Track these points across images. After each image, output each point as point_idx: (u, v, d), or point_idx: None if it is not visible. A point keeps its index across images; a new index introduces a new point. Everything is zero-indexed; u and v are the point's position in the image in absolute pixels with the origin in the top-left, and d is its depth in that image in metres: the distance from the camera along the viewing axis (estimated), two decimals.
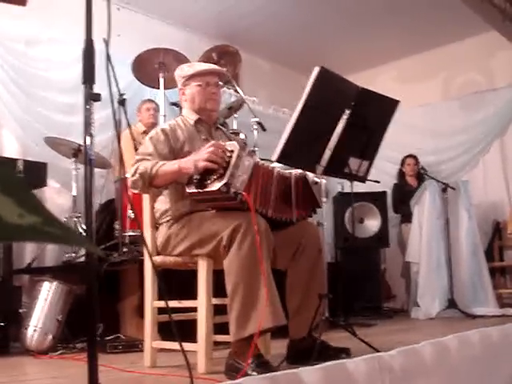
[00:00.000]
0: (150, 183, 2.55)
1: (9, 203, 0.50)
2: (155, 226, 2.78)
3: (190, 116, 2.87)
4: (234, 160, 2.34)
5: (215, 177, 2.33)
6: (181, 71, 2.92)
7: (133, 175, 2.57)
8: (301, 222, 2.68)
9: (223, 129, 3.05)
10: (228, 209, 2.43)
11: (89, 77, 1.57)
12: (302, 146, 2.50)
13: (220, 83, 2.95)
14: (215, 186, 2.31)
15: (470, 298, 5.44)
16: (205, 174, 2.36)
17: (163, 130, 2.74)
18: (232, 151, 2.37)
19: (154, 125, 5.13)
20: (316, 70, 2.35)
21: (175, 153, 2.69)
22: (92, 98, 1.56)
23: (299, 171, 2.67)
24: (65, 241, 0.55)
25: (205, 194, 2.37)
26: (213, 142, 2.46)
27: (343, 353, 2.54)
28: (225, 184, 2.29)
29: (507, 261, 6.59)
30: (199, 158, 2.38)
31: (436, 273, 5.49)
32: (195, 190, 2.37)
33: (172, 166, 2.51)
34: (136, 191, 2.68)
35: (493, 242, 6.63)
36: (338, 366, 1.76)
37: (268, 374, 1.59)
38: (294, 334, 2.67)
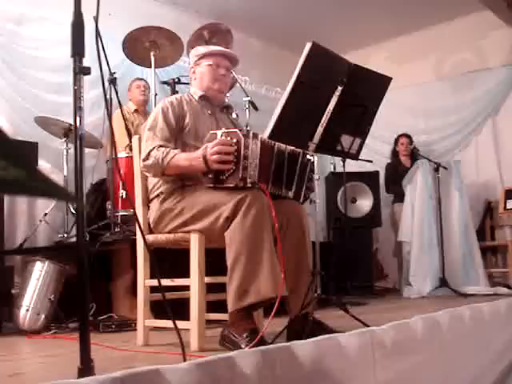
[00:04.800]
0: (162, 173, 2.61)
1: None
2: (147, 203, 2.78)
3: (196, 93, 2.92)
4: (242, 152, 2.39)
5: (229, 173, 2.41)
6: (195, 51, 2.98)
7: (145, 160, 2.61)
8: (284, 201, 2.64)
9: (230, 117, 3.05)
10: None
11: (78, 49, 1.55)
12: (294, 123, 2.49)
13: (231, 67, 2.97)
14: (232, 181, 2.40)
15: (462, 277, 5.48)
16: (218, 170, 2.43)
17: (171, 102, 2.79)
18: (238, 142, 2.40)
19: (145, 102, 5.13)
20: (308, 45, 2.34)
21: (179, 124, 2.73)
22: (81, 71, 1.54)
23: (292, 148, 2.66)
24: (50, 195, 0.54)
25: (223, 188, 2.45)
26: (217, 140, 2.45)
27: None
28: (240, 179, 2.37)
29: (498, 240, 6.62)
30: (208, 158, 2.42)
31: (428, 252, 5.52)
32: (212, 185, 2.46)
33: (183, 161, 2.54)
34: (147, 175, 2.75)
35: (484, 221, 6.67)
36: (330, 339, 1.77)
37: (261, 347, 1.59)
38: (291, 313, 2.67)
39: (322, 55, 2.46)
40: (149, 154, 2.60)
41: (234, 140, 2.41)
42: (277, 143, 2.55)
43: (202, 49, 2.97)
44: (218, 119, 2.89)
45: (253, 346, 2.12)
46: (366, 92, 2.67)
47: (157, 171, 2.60)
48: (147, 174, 2.71)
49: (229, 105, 3.11)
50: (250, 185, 2.38)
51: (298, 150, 2.64)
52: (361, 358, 1.82)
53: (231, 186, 2.39)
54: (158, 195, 2.70)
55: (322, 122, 2.55)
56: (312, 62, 2.38)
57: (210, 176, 2.45)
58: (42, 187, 0.50)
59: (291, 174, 2.63)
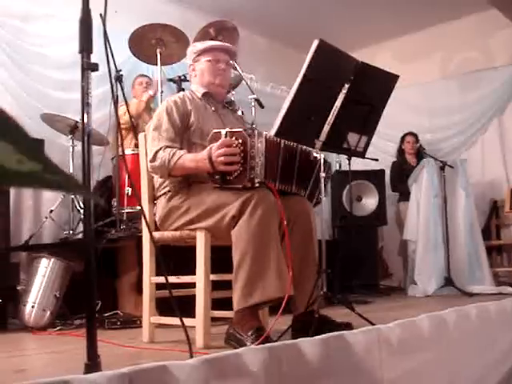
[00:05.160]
0: (169, 174, 2.59)
1: (8, 149, 0.50)
2: (153, 201, 2.78)
3: (198, 90, 2.89)
4: (249, 152, 2.36)
5: (236, 174, 2.38)
6: (193, 47, 2.96)
7: (152, 161, 2.60)
8: (293, 198, 2.65)
9: (230, 108, 3.04)
10: None
11: (86, 46, 1.55)
12: (300, 121, 2.49)
13: (231, 62, 2.96)
14: (239, 182, 2.38)
15: (467, 276, 5.45)
16: (225, 172, 2.41)
17: (174, 102, 2.76)
18: (243, 142, 2.38)
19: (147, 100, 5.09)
20: (315, 43, 2.33)
21: (184, 123, 2.71)
22: (89, 67, 1.54)
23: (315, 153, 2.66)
24: (64, 188, 0.54)
25: (230, 188, 2.43)
26: (222, 140, 2.42)
27: (346, 328, 2.50)
28: (248, 180, 2.35)
29: (504, 239, 6.61)
30: (214, 159, 2.39)
31: (433, 251, 5.50)
32: (219, 186, 2.45)
33: (189, 163, 2.52)
34: (156, 176, 2.74)
35: (490, 220, 6.64)
36: (337, 337, 1.77)
37: (267, 345, 1.59)
38: (295, 311, 2.67)
39: (329, 52, 2.46)
40: (155, 155, 2.58)
41: (240, 140, 2.38)
42: (284, 141, 2.54)
43: (199, 45, 2.94)
44: (221, 116, 2.87)
45: (257, 339, 2.13)
46: (372, 90, 2.66)
47: (164, 172, 2.59)
48: (154, 175, 2.71)
49: (231, 100, 3.11)
50: (257, 185, 2.37)
51: (312, 150, 2.64)
52: (367, 355, 1.82)
53: (239, 187, 2.38)
54: (164, 193, 2.70)
55: (328, 119, 2.55)
56: (319, 60, 2.38)
57: (217, 177, 2.43)
58: (57, 180, 0.50)
59: (305, 173, 2.63)
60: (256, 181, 2.36)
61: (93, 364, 1.52)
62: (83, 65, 1.53)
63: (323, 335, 1.75)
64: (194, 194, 2.58)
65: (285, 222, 2.36)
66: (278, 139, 2.53)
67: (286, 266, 2.34)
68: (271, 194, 2.39)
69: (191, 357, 1.83)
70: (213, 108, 2.85)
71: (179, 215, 2.60)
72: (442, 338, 2.26)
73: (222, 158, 2.37)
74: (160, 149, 2.58)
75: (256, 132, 2.41)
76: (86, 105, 1.51)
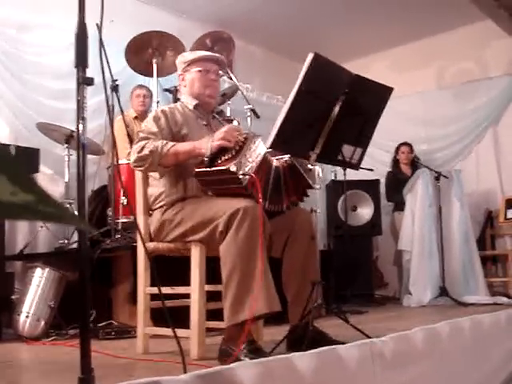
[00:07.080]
0: (159, 162, 2.55)
1: (1, 181, 0.50)
2: (148, 212, 2.78)
3: (189, 101, 2.88)
4: (246, 145, 2.41)
5: (226, 157, 2.39)
6: (182, 57, 2.95)
7: (139, 152, 2.55)
8: (293, 209, 2.68)
9: (219, 118, 3.04)
10: (227, 194, 2.45)
11: (81, 60, 1.56)
12: (295, 133, 2.49)
13: (220, 72, 2.97)
14: (225, 164, 2.36)
15: (462, 286, 5.47)
16: (216, 155, 2.42)
17: (163, 111, 2.76)
18: (246, 138, 2.44)
19: (144, 112, 5.08)
20: (310, 56, 2.34)
21: (173, 134, 2.71)
22: (85, 81, 1.54)
23: (285, 157, 2.68)
24: (58, 219, 0.54)
25: (213, 174, 2.41)
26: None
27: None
28: (235, 164, 2.34)
29: (499, 249, 6.62)
30: (214, 138, 2.44)
31: (428, 261, 5.51)
32: (204, 170, 2.41)
33: (186, 145, 2.55)
34: (139, 169, 2.67)
35: (485, 230, 6.65)
36: (331, 351, 1.77)
37: (261, 359, 1.59)
38: (292, 321, 2.67)
39: (324, 66, 2.47)
40: (143, 147, 2.55)
41: (244, 135, 2.47)
42: (274, 161, 2.59)
43: (189, 55, 2.95)
44: (214, 127, 2.85)
45: (252, 357, 2.12)
46: (367, 102, 2.67)
47: (153, 160, 2.53)
48: (140, 167, 2.62)
49: (221, 110, 3.12)
50: (241, 175, 2.35)
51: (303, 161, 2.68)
52: (361, 370, 1.82)
53: (223, 168, 2.35)
54: (160, 207, 2.69)
55: (323, 131, 2.56)
56: (314, 73, 2.39)
57: (207, 157, 2.41)
58: (52, 212, 0.51)
59: (288, 184, 2.66)
60: (240, 172, 2.34)
61: (86, 378, 1.51)
62: (78, 79, 1.54)
63: (316, 349, 1.75)
64: (187, 207, 2.58)
65: (262, 233, 2.34)
66: (271, 161, 2.57)
67: (272, 281, 2.33)
68: (257, 207, 2.36)
69: (185, 369, 1.83)
70: (204, 122, 2.85)
71: (172, 228, 2.60)
72: (436, 351, 2.26)
73: (222, 135, 2.43)
74: (148, 141, 2.56)
75: (260, 140, 2.49)
76: (81, 119, 1.52)
